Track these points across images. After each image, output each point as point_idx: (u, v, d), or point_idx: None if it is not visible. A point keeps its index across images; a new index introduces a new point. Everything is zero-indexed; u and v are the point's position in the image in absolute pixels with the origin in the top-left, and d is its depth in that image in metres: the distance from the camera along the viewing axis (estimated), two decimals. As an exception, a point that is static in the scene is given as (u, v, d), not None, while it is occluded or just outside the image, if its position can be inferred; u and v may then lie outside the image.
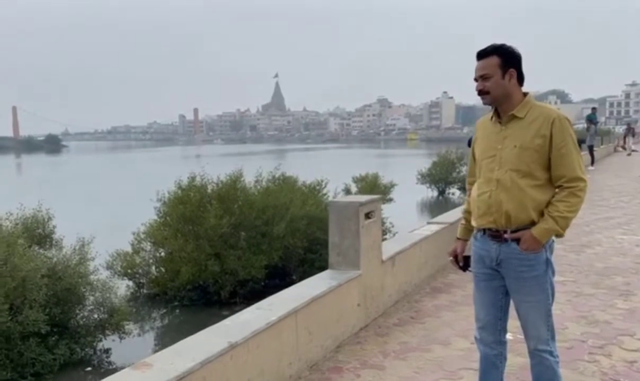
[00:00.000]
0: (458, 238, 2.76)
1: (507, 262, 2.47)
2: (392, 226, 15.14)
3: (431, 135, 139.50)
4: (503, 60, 2.44)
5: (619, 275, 5.22)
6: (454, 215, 6.17)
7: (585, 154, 18.78)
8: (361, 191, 18.69)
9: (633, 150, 24.97)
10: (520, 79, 2.48)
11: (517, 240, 2.44)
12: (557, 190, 2.44)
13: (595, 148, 19.37)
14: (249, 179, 12.91)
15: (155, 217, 12.10)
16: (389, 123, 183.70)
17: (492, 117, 2.57)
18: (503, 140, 2.48)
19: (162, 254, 11.92)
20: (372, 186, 19.96)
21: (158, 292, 11.65)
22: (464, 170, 22.83)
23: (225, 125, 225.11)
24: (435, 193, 25.44)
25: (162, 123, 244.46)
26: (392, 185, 20.54)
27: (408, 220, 18.29)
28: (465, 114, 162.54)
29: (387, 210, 17.86)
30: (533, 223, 2.42)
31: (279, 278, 12.18)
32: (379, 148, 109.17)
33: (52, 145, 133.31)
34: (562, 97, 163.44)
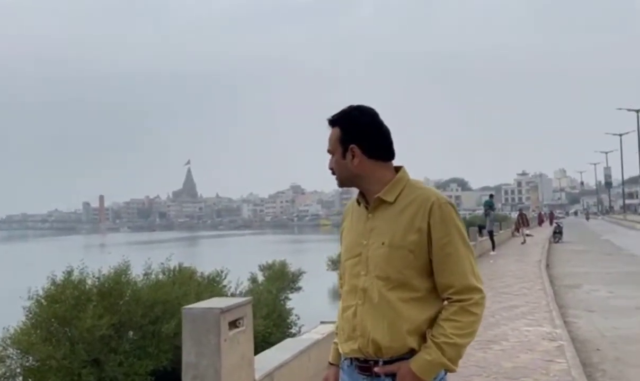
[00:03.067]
0: (331, 364, 2.03)
1: None
2: (298, 318, 14.26)
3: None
4: (343, 134, 1.86)
5: (530, 378, 4.73)
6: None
7: (486, 239, 19.24)
8: (267, 280, 17.78)
9: (527, 235, 25.33)
10: (379, 153, 1.86)
11: (393, 375, 1.75)
12: (444, 302, 1.79)
13: (494, 234, 19.92)
14: (137, 271, 11.75)
15: (24, 319, 10.58)
16: (302, 209, 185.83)
17: (358, 200, 1.93)
18: (369, 233, 1.82)
19: (31, 362, 10.33)
20: (280, 274, 19.11)
21: (22, 410, 9.94)
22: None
23: (133, 213, 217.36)
24: (346, 280, 24.85)
25: (65, 211, 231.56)
26: (301, 273, 19.81)
27: (317, 310, 17.50)
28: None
29: (295, 299, 17.05)
30: (413, 351, 1.75)
31: (170, 385, 10.80)
32: (293, 234, 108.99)
33: None
34: (463, 185, 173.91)
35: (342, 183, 1.92)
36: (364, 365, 1.81)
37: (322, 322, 5.01)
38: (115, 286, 10.95)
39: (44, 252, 59.22)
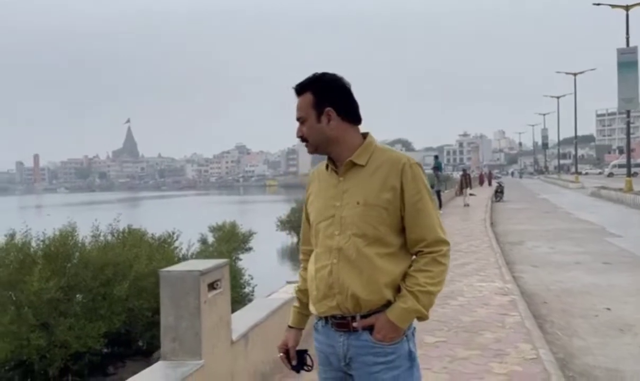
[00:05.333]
0: (290, 327, 2.08)
1: (359, 360, 1.85)
2: (252, 278, 14.35)
3: (289, 181, 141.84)
4: (316, 98, 1.90)
5: (488, 330, 4.96)
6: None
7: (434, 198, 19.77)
8: (218, 241, 17.65)
9: (471, 195, 24.99)
10: (351, 116, 1.93)
11: (370, 328, 1.84)
12: (414, 257, 1.90)
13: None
14: (85, 233, 11.37)
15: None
16: (247, 169, 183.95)
17: (327, 166, 2.00)
18: (342, 195, 1.90)
19: (-26, 328, 9.92)
20: (230, 235, 19.01)
21: (-35, 376, 9.59)
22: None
23: (71, 173, 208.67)
24: (295, 240, 25.19)
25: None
26: (252, 234, 19.80)
27: (269, 269, 17.62)
28: (320, 161, 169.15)
29: (246, 260, 17.09)
30: (388, 304, 1.85)
31: (123, 346, 10.69)
32: (239, 194, 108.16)
33: None
34: (407, 146, 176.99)
35: (315, 149, 1.94)
36: (341, 321, 1.86)
37: (288, 282, 5.05)
38: (62, 249, 10.59)
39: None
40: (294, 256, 22.54)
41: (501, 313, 5.56)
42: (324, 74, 1.92)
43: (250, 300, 13.68)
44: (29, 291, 9.41)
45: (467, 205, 22.15)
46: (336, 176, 1.92)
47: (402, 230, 1.87)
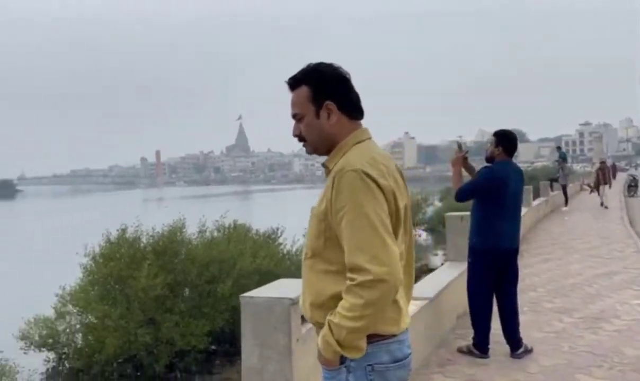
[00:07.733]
0: None
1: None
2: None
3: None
4: (314, 91, 1.72)
5: (667, 371, 3.80)
6: (434, 285, 4.68)
7: (557, 194, 17.94)
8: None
9: (588, 185, 21.88)
10: (352, 110, 1.75)
11: None
12: None
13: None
14: (192, 229, 11.36)
15: (81, 276, 10.43)
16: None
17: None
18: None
19: (90, 320, 10.21)
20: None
21: (81, 367, 9.87)
22: (430, 211, 21.80)
23: (189, 167, 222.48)
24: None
25: (124, 166, 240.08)
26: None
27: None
28: (427, 154, 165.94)
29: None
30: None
31: (228, 343, 10.54)
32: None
33: (5, 190, 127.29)
34: (521, 137, 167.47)
35: (315, 149, 1.80)
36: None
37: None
38: (170, 245, 10.59)
39: (109, 205, 61.09)
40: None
41: (679, 346, 4.33)
42: (319, 64, 1.76)
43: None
44: (138, 287, 9.45)
45: (604, 206, 17.20)
46: None
47: None
